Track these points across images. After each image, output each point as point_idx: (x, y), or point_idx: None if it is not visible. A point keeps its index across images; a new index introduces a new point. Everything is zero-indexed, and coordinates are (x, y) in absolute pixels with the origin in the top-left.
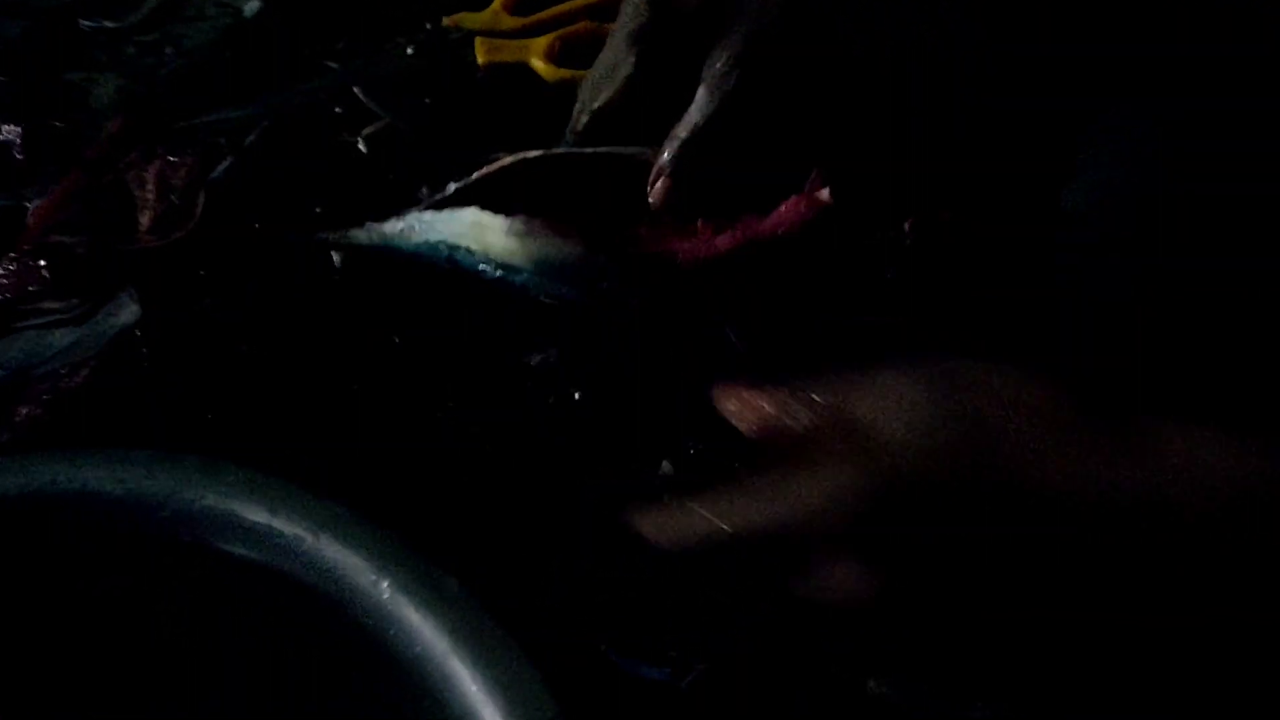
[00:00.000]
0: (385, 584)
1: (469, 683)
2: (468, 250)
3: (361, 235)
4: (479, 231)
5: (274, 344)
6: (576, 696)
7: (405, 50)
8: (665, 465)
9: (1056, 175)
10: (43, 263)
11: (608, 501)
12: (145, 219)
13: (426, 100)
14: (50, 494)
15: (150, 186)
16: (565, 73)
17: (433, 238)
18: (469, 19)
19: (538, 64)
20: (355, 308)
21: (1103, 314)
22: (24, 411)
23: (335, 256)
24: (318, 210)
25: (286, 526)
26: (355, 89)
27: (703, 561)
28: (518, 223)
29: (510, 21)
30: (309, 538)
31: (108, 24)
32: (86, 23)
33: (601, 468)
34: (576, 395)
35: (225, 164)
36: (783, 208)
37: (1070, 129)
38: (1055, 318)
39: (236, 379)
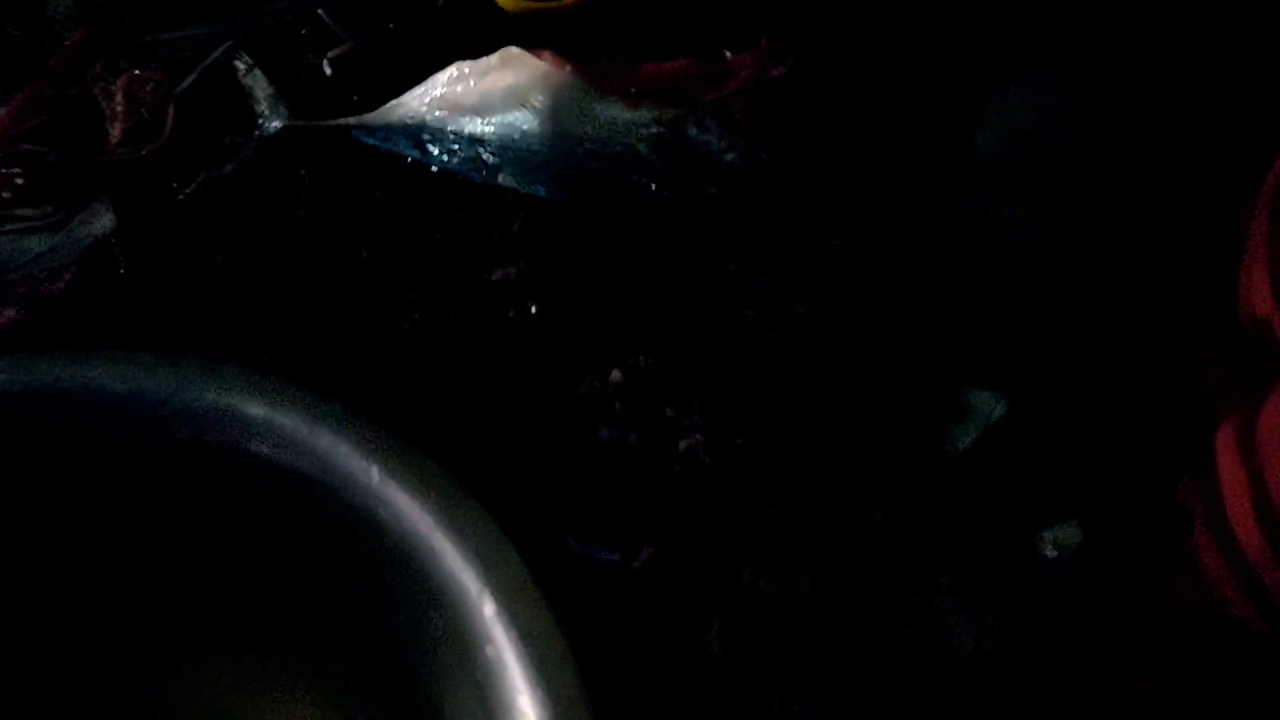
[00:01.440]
0: (375, 469)
1: (451, 552)
2: (435, 128)
3: (337, 120)
4: (453, 89)
5: (249, 252)
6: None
7: None
8: (615, 374)
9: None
10: (15, 172)
11: (565, 405)
12: (116, 131)
13: (389, 25)
14: (54, 391)
15: (119, 99)
16: (526, 3)
17: (400, 116)
18: None
19: None
20: (324, 212)
21: (1009, 243)
22: (5, 313)
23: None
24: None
25: (284, 420)
26: (320, 11)
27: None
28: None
29: None
30: (305, 430)
31: None
32: None
33: (559, 376)
34: (534, 309)
35: (193, 77)
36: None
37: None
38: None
39: (214, 287)
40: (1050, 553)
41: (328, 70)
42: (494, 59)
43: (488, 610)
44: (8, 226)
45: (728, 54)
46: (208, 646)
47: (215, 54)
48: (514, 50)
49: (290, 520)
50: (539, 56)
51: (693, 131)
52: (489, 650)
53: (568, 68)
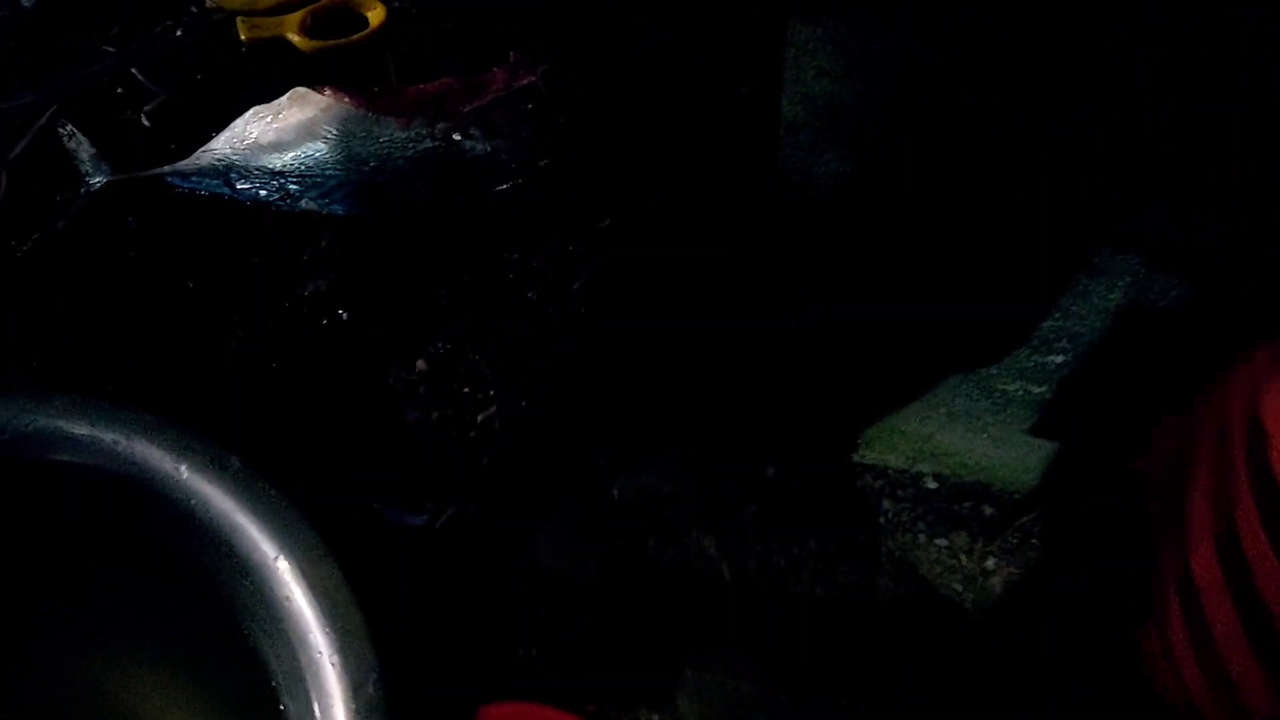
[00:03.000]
0: (183, 467)
1: (251, 528)
2: (241, 167)
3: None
4: (251, 130)
5: (86, 295)
6: (352, 544)
7: (175, 32)
8: (420, 363)
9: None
10: None
11: (376, 396)
12: None
13: (198, 76)
14: None
15: None
16: (318, 43)
17: (209, 160)
18: (229, 1)
19: (294, 37)
20: (152, 252)
21: (814, 194)
22: None
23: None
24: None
25: (105, 434)
26: (133, 70)
27: None
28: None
29: (267, 1)
30: (123, 440)
31: None
32: None
33: (369, 371)
34: (344, 315)
35: (21, 145)
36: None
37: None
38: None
39: (56, 327)
40: None
41: (145, 123)
42: (285, 99)
43: (283, 570)
44: None
45: (495, 69)
46: (74, 638)
47: (41, 120)
48: (301, 90)
49: (122, 516)
50: (323, 93)
51: (459, 140)
52: (287, 602)
53: (347, 98)
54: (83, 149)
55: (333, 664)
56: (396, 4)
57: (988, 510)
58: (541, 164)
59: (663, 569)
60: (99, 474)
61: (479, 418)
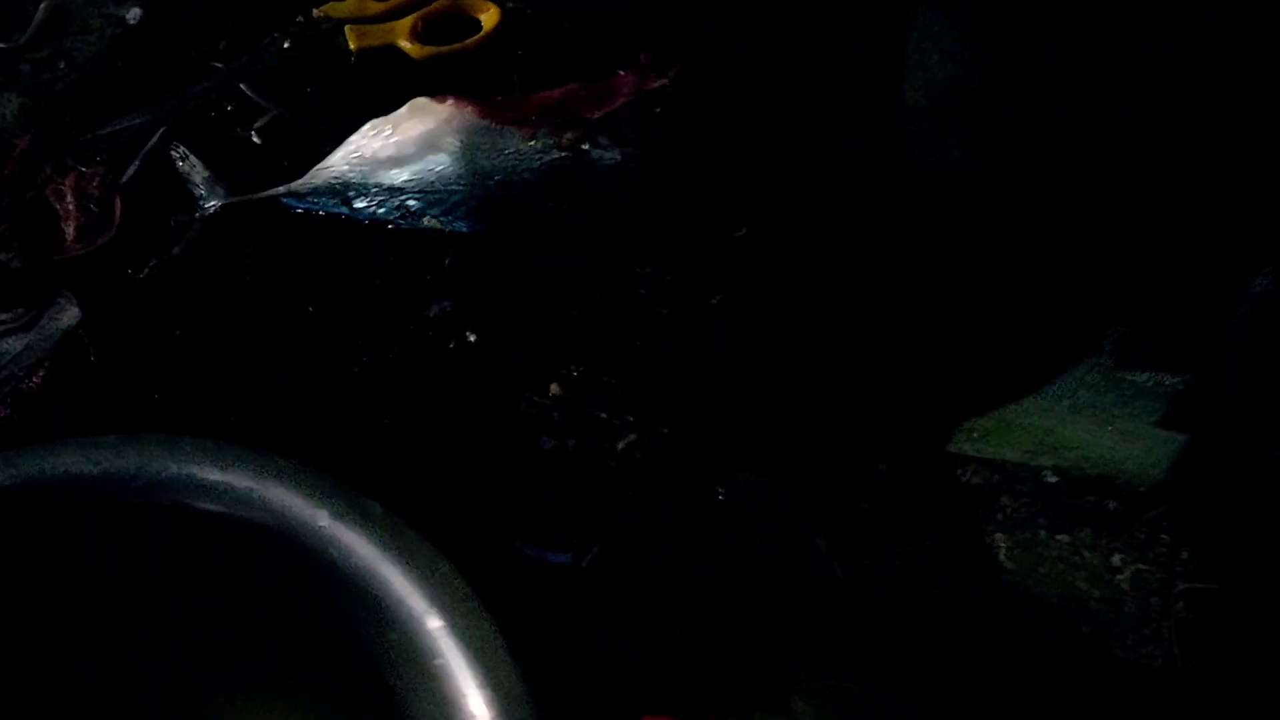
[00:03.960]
0: (323, 514)
1: (397, 578)
2: (358, 184)
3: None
4: (368, 145)
5: (204, 323)
6: (495, 585)
7: (282, 45)
8: (554, 387)
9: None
10: None
11: (508, 422)
12: (70, 229)
13: (308, 89)
14: (40, 481)
15: (70, 198)
16: (430, 49)
17: (326, 179)
18: (336, 9)
19: (405, 44)
20: (269, 277)
21: (939, 185)
22: None
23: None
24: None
25: (238, 480)
26: (242, 86)
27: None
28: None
29: (375, 7)
30: (257, 486)
31: (0, 45)
32: None
33: (500, 396)
34: (471, 337)
35: (134, 168)
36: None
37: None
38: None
39: (176, 360)
40: None
41: (256, 140)
42: (404, 111)
43: (433, 625)
44: None
45: (620, 72)
46: (208, 682)
47: (152, 142)
48: (421, 100)
49: (257, 565)
50: (443, 102)
51: (588, 150)
52: (438, 661)
53: (469, 108)
54: (196, 171)
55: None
56: (510, 4)
57: (1112, 504)
58: (673, 173)
59: (775, 568)
60: (230, 521)
61: (619, 446)
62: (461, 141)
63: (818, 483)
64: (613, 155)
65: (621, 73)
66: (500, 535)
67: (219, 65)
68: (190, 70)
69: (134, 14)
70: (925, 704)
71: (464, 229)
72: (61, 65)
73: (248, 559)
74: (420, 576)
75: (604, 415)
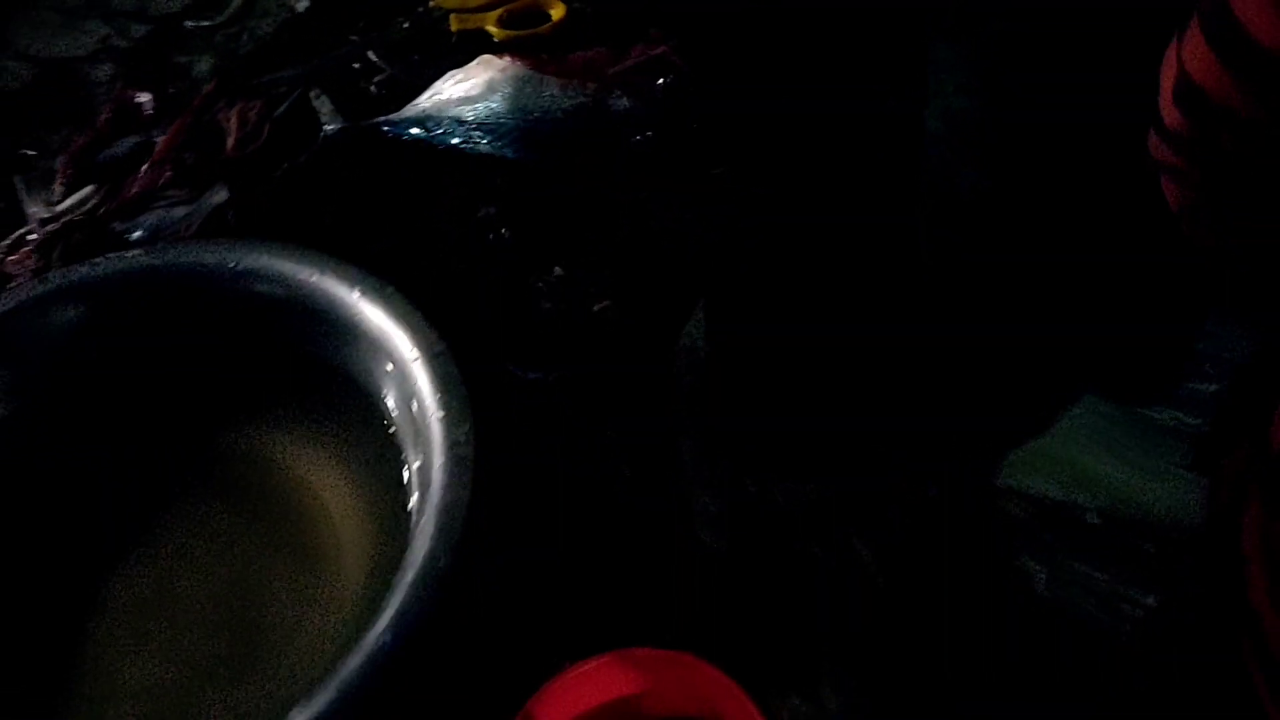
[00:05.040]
0: (355, 293)
1: (400, 335)
2: (436, 117)
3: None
4: (445, 89)
5: (319, 209)
6: (488, 394)
7: (403, 25)
8: (557, 269)
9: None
10: (168, 170)
11: (522, 291)
12: (230, 141)
13: (415, 57)
14: (176, 264)
15: (233, 121)
16: (510, 33)
17: (413, 113)
18: (446, 1)
19: (492, 29)
20: (370, 182)
21: (955, 202)
22: None
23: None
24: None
25: (300, 272)
26: (369, 53)
27: None
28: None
29: (475, 1)
30: (316, 275)
31: (204, 23)
32: (189, 23)
33: (519, 273)
34: (505, 232)
35: (285, 105)
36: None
37: (917, 63)
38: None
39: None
40: None
41: (373, 90)
42: (474, 64)
43: (415, 360)
44: (162, 202)
45: (634, 45)
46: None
47: (298, 90)
48: (487, 56)
49: (308, 329)
50: (502, 58)
51: (604, 97)
52: (416, 381)
53: (521, 63)
54: (324, 105)
55: (439, 420)
56: (576, 4)
57: (1148, 546)
58: (669, 119)
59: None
60: (294, 300)
61: (595, 308)
62: (514, 87)
63: (854, 492)
64: (623, 102)
65: (635, 45)
66: (499, 361)
67: (355, 38)
68: (335, 42)
69: (304, 4)
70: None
71: (510, 155)
72: (244, 38)
73: (307, 322)
74: (416, 337)
75: (591, 289)
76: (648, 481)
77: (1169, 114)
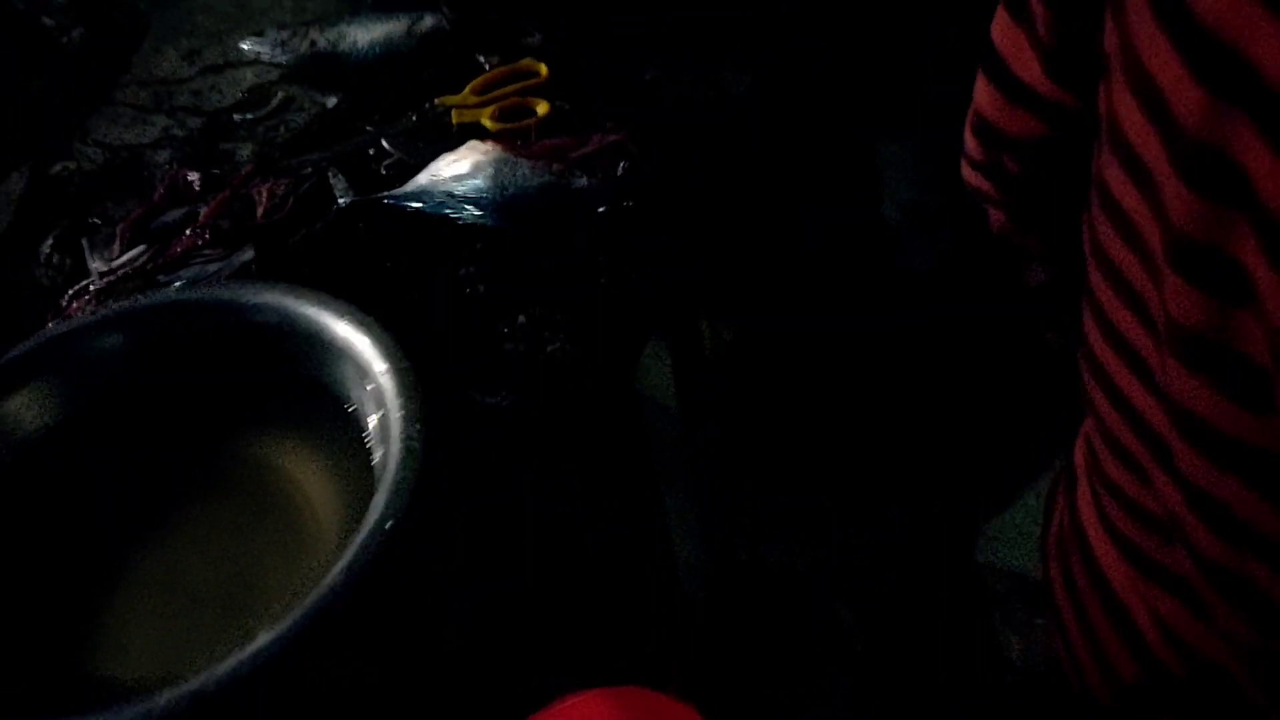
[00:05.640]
0: (340, 324)
1: (371, 352)
2: (431, 191)
3: (377, 194)
4: (439, 168)
5: (328, 269)
6: (451, 416)
7: (411, 118)
8: (521, 317)
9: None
10: (206, 234)
11: (492, 335)
12: (259, 212)
13: (421, 144)
14: (195, 299)
15: (264, 195)
16: (501, 125)
17: (413, 187)
18: (449, 99)
19: (486, 122)
20: (372, 244)
21: (915, 277)
22: None
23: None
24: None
25: (298, 307)
26: (382, 140)
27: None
28: (468, 144)
29: (473, 99)
30: (310, 310)
31: (248, 116)
32: (237, 116)
33: (490, 321)
34: (482, 289)
35: (308, 184)
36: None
37: (870, 157)
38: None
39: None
40: None
41: (383, 172)
42: (463, 148)
43: (384, 372)
44: (200, 258)
45: (594, 133)
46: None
47: (320, 170)
48: (473, 141)
49: (302, 351)
50: (485, 143)
51: (569, 177)
52: (386, 390)
53: (499, 147)
54: (339, 182)
55: (398, 419)
56: (557, 103)
57: None
58: (625, 200)
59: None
60: (292, 329)
61: (548, 349)
62: (494, 168)
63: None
64: (583, 181)
65: (595, 134)
66: (465, 390)
67: (369, 128)
68: (354, 131)
69: (332, 101)
70: None
71: (490, 223)
72: (282, 129)
73: (300, 345)
74: (384, 352)
75: (546, 333)
76: (614, 524)
77: (969, 142)
